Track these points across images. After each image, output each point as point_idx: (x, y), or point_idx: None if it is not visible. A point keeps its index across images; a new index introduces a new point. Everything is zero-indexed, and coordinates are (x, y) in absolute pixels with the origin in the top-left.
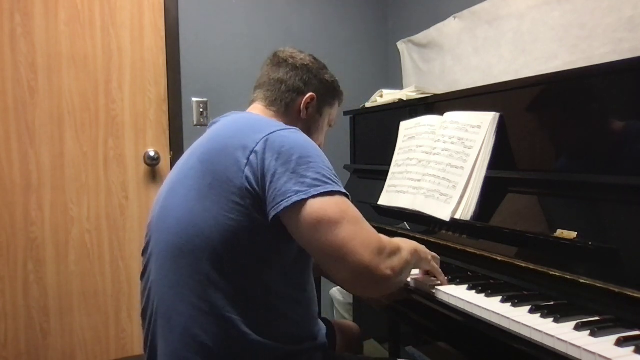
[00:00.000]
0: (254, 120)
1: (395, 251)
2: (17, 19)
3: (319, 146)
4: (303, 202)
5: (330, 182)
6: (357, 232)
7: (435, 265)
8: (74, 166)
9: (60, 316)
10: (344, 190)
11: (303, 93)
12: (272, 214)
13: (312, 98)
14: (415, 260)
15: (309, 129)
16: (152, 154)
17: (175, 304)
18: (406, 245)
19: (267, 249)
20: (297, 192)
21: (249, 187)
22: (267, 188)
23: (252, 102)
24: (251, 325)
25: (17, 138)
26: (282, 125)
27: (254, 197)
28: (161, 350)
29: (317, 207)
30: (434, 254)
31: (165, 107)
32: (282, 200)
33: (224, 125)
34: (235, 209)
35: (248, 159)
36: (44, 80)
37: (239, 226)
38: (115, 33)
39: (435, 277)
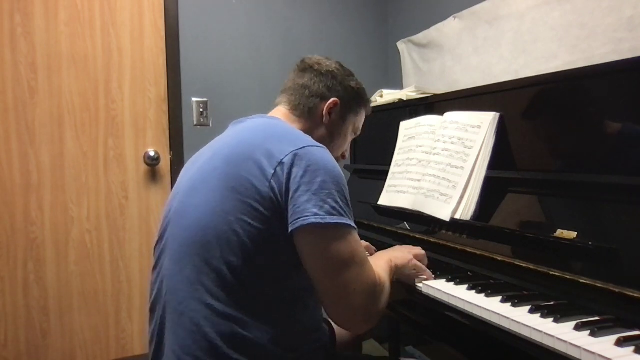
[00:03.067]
0: (282, 129)
1: (384, 287)
2: (17, 19)
3: (343, 155)
4: (318, 226)
5: (345, 214)
6: (360, 275)
7: (418, 264)
8: (74, 166)
9: (60, 316)
10: (354, 227)
11: (326, 98)
12: (290, 228)
13: (335, 103)
14: (394, 275)
15: (332, 135)
16: (152, 154)
17: (188, 301)
18: (386, 268)
19: (283, 258)
20: (316, 214)
21: (273, 197)
22: (289, 201)
23: (276, 104)
24: (262, 330)
25: (17, 138)
26: (310, 139)
27: (276, 207)
28: (169, 345)
29: (330, 240)
30: (415, 251)
31: (165, 107)
32: (299, 218)
33: (251, 129)
34: (257, 216)
35: (275, 169)
36: (44, 80)
37: (258, 233)
38: (115, 33)
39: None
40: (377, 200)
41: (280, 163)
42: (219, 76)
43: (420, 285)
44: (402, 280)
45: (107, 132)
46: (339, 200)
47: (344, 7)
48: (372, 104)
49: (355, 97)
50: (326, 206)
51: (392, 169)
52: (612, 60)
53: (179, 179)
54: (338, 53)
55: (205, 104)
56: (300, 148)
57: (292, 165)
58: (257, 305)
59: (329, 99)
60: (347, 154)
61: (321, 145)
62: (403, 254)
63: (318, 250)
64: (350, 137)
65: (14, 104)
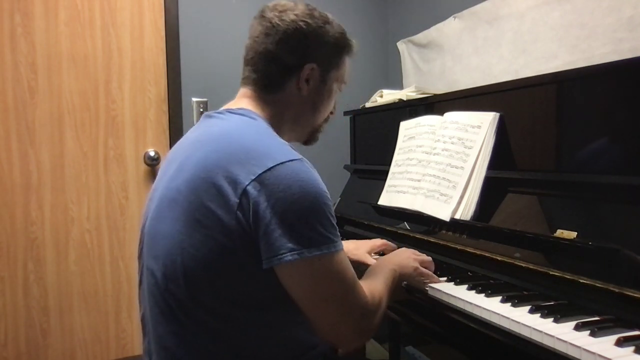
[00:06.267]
0: (249, 140)
1: (378, 307)
2: (17, 19)
3: (332, 112)
4: (297, 262)
5: (326, 240)
6: (349, 299)
7: (424, 272)
8: (74, 166)
9: (60, 316)
10: (339, 247)
11: (301, 67)
12: (264, 265)
13: (311, 69)
14: (397, 290)
15: (314, 104)
16: (152, 154)
17: (168, 336)
18: (386, 280)
19: (260, 289)
20: (291, 250)
21: (241, 230)
22: (259, 236)
23: (242, 82)
24: (248, 355)
25: (17, 138)
26: (281, 153)
27: (245, 240)
28: None
29: (312, 274)
30: (421, 258)
31: (165, 107)
32: (273, 257)
33: (215, 139)
34: (226, 252)
35: (240, 199)
36: (44, 80)
37: (228, 270)
38: (115, 33)
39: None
40: (377, 200)
41: (245, 192)
42: (219, 76)
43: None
44: (408, 283)
45: (107, 132)
46: (317, 226)
47: (344, 7)
48: (372, 104)
49: (334, 51)
50: (303, 238)
51: (392, 169)
52: (612, 60)
53: (155, 182)
54: None
55: (205, 104)
56: (267, 170)
57: (258, 194)
58: (239, 337)
59: (303, 67)
60: (336, 111)
61: (295, 156)
62: (409, 263)
63: (300, 285)
64: (335, 94)
65: (14, 104)
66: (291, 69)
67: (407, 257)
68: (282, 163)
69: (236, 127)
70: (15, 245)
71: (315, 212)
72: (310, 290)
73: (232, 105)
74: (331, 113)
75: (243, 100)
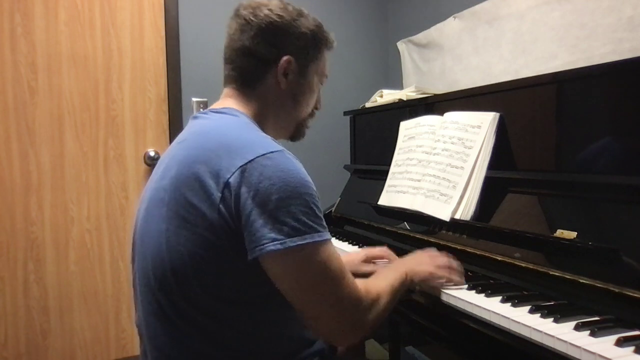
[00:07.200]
0: (231, 135)
1: (373, 302)
2: (17, 19)
3: (317, 107)
4: (279, 252)
5: (310, 229)
6: (336, 291)
7: (440, 274)
8: (74, 166)
9: (60, 316)
10: (325, 237)
11: (277, 61)
12: (249, 256)
13: (288, 62)
14: (404, 290)
15: (295, 97)
16: (152, 154)
17: (161, 337)
18: (388, 284)
19: (250, 284)
20: (273, 240)
21: (224, 224)
22: (242, 228)
23: (224, 81)
24: (242, 354)
25: (17, 138)
26: (262, 145)
27: (230, 235)
28: None
29: (295, 264)
30: (438, 261)
31: (165, 107)
32: (256, 246)
33: (196, 139)
34: (212, 247)
35: (222, 192)
36: (44, 80)
37: (214, 265)
38: (115, 33)
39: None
40: (377, 200)
41: (227, 184)
42: (219, 76)
43: (419, 286)
44: (425, 290)
45: (107, 132)
46: (300, 216)
47: (344, 7)
48: (372, 104)
49: (310, 43)
50: (285, 228)
51: (392, 169)
52: (612, 60)
53: (146, 185)
54: (338, 53)
55: (205, 104)
56: (249, 162)
57: (239, 186)
58: (232, 336)
59: (280, 60)
60: (321, 104)
61: (276, 148)
62: (423, 268)
63: (285, 276)
64: (318, 87)
65: (14, 104)
66: (268, 62)
67: (421, 262)
68: (262, 155)
69: (218, 124)
70: (15, 245)
71: (297, 201)
72: (295, 281)
73: (216, 105)
74: (316, 108)
75: (227, 100)
